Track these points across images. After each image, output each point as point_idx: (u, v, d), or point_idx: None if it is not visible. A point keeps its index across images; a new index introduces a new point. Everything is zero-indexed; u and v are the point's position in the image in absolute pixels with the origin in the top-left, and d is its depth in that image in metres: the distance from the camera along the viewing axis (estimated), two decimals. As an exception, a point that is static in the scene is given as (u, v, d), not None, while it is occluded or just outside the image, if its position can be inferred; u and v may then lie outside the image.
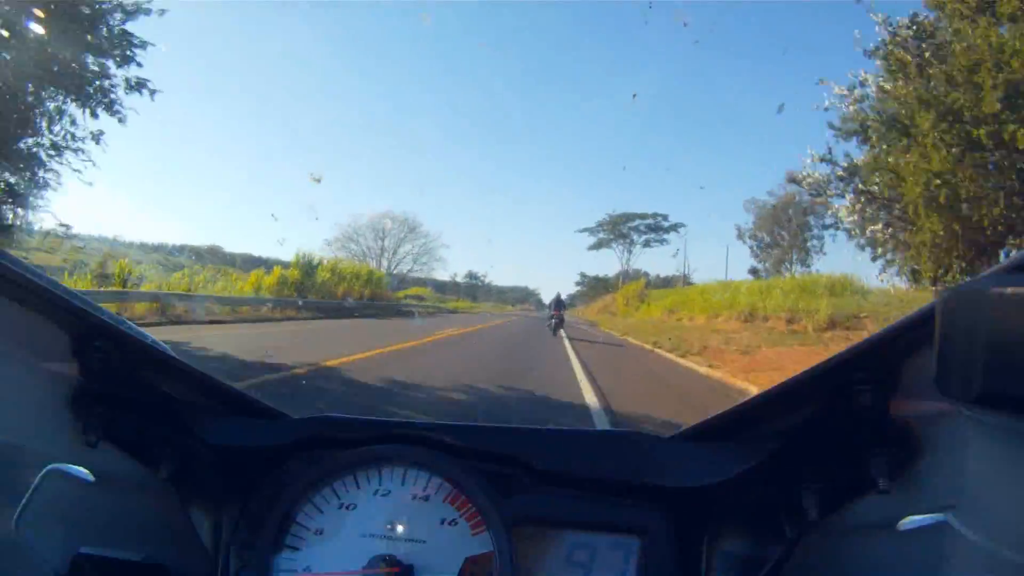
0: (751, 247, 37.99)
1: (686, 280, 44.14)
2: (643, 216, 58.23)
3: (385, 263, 39.70)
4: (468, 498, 0.60)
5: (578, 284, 73.38)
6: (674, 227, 59.53)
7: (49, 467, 0.67)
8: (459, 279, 71.79)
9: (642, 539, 0.59)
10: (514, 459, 0.63)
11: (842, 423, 0.50)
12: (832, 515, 0.55)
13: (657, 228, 59.18)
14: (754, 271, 37.46)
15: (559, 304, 15.47)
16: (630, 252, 62.55)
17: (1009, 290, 0.25)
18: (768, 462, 0.55)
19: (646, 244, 61.03)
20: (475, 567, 0.58)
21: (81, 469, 0.67)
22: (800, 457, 0.55)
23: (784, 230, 38.28)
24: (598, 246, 63.98)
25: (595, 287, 66.83)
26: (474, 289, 77.20)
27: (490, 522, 0.59)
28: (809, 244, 35.73)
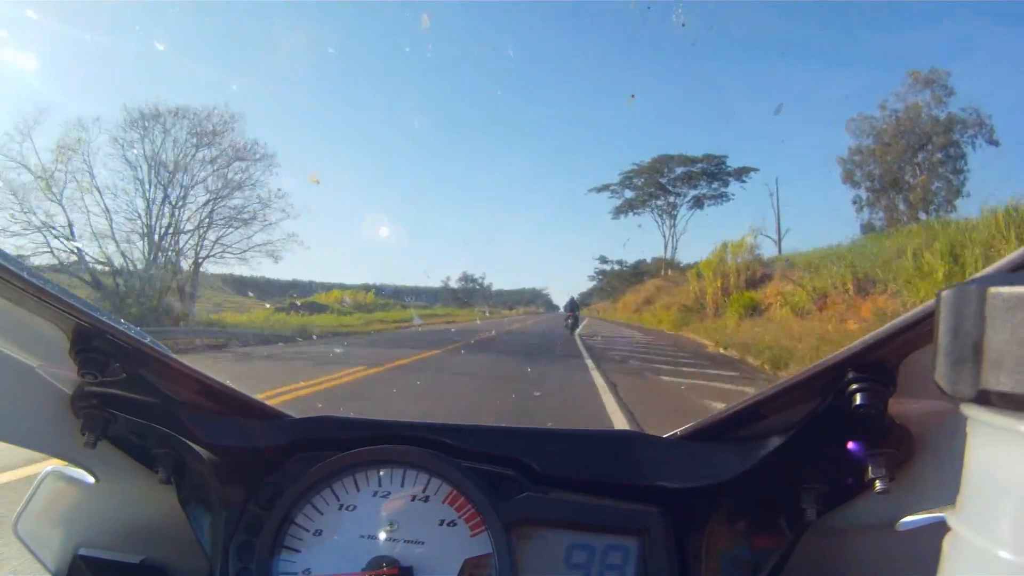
0: (858, 199, 21.35)
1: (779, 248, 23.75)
2: (691, 160, 38.00)
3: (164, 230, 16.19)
4: (467, 499, 0.60)
5: (593, 277, 55.39)
6: (740, 173, 38.81)
7: (48, 469, 0.68)
8: (453, 283, 62.77)
9: (641, 540, 0.59)
10: (513, 460, 0.63)
11: (841, 422, 0.49)
12: (831, 515, 0.55)
13: (713, 175, 38.62)
14: (869, 227, 21.75)
15: (573, 306, 17.70)
16: (672, 218, 41.88)
17: (1009, 288, 0.25)
18: (767, 462, 0.55)
19: (696, 204, 40.53)
20: (474, 569, 0.58)
21: (80, 471, 0.68)
22: (799, 457, 0.54)
23: (914, 159, 21.42)
24: (626, 210, 43.52)
25: (622, 276, 46.89)
26: (471, 294, 65.88)
27: (489, 523, 0.59)
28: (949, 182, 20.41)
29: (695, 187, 39.89)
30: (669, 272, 39.67)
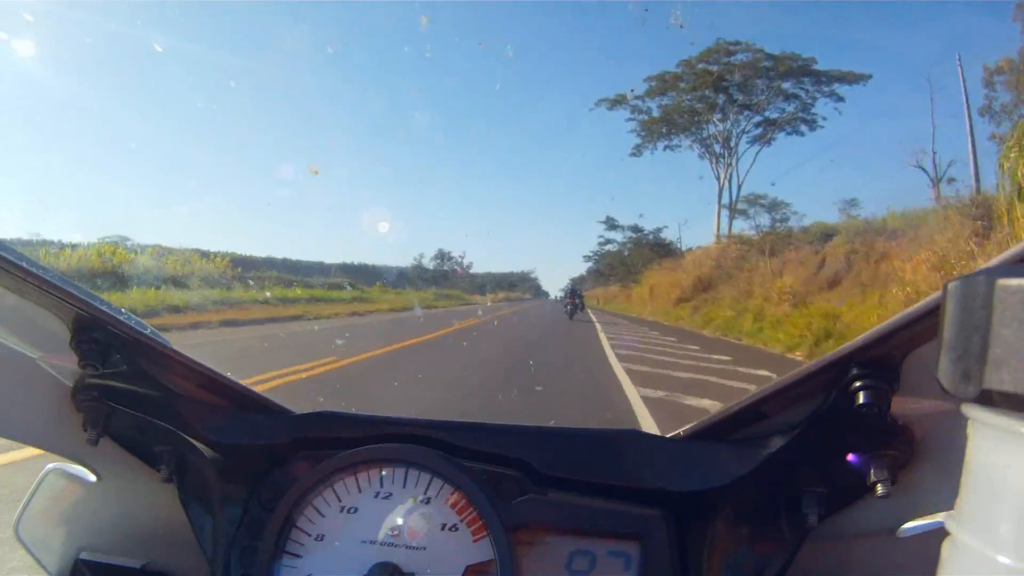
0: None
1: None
2: (764, 58, 22.42)
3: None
4: (469, 502, 0.59)
5: (589, 257, 42.16)
6: (841, 80, 23.45)
7: (49, 467, 0.67)
8: (426, 262, 53.15)
9: (642, 545, 0.58)
10: (516, 460, 0.62)
11: (843, 422, 0.49)
12: (832, 520, 0.55)
13: (798, 76, 22.85)
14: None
15: (574, 293, 17.62)
16: (726, 155, 26.38)
17: (1019, 280, 0.24)
18: (768, 464, 0.54)
19: (763, 135, 25.34)
20: (476, 575, 0.57)
21: (81, 468, 0.67)
22: (800, 459, 0.53)
23: None
24: (655, 138, 28.06)
25: (640, 251, 31.60)
26: (446, 275, 55.02)
27: (491, 529, 0.58)
28: None
29: (760, 110, 23.88)
30: (729, 238, 23.57)
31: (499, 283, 69.49)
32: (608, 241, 34.62)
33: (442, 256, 59.32)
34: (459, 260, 58.88)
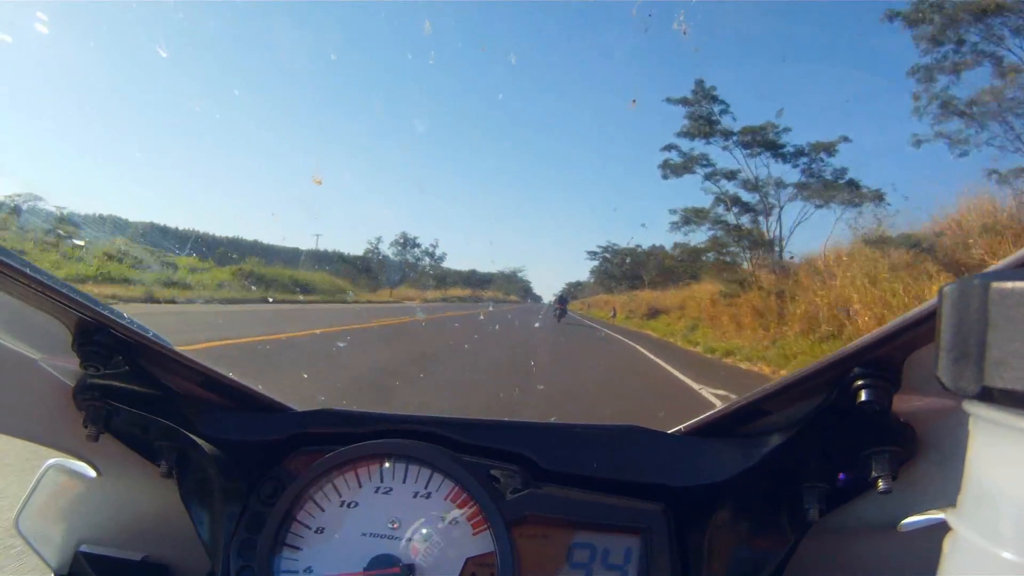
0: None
1: None
2: None
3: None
4: (469, 496, 0.60)
5: (595, 254, 32.85)
6: None
7: (50, 462, 0.68)
8: (385, 248, 44.75)
9: (643, 539, 0.58)
10: (516, 456, 0.62)
11: (844, 420, 0.49)
12: (834, 515, 0.55)
13: None
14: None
15: (563, 300, 19.91)
16: None
17: (1013, 284, 0.25)
18: (769, 460, 0.54)
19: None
20: (476, 567, 0.58)
21: (82, 464, 0.67)
22: (802, 455, 0.54)
23: None
24: None
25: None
26: (406, 268, 46.17)
27: (491, 521, 0.58)
28: None
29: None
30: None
31: (468, 281, 62.87)
32: (602, 252, 25.29)
33: (405, 242, 49.00)
34: (429, 249, 49.08)
